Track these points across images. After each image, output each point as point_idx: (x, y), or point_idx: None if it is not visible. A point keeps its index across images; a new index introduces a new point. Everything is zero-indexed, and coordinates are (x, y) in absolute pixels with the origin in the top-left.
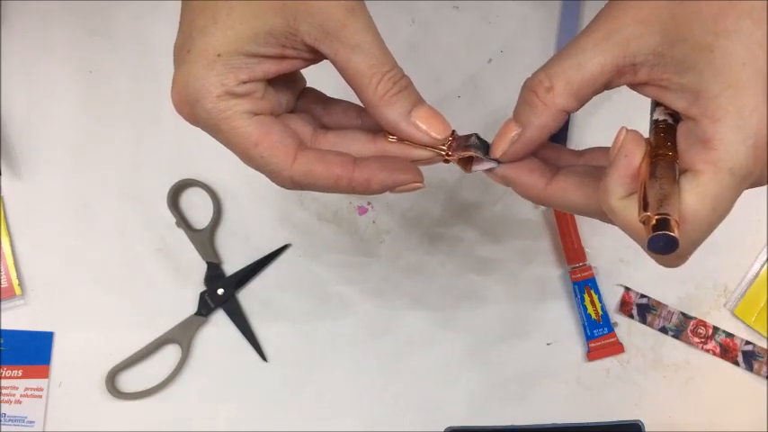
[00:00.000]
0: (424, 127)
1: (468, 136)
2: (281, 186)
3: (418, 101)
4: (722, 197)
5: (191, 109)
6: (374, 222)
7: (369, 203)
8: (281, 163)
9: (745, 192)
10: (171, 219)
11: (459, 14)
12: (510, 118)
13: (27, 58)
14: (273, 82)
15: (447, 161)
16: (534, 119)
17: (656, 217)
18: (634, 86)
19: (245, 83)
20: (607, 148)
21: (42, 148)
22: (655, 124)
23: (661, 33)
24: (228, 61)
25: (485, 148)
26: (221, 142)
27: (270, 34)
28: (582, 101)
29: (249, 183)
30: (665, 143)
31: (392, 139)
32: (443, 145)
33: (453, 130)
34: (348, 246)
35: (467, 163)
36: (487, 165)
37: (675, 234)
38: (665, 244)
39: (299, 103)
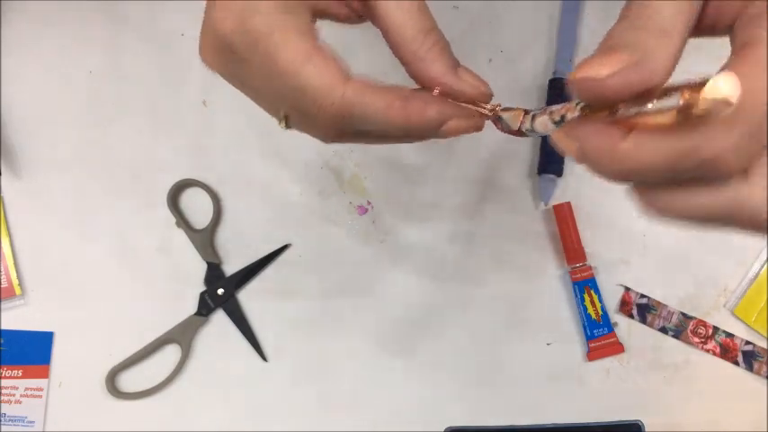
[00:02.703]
0: (471, 80)
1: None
2: (329, 114)
3: (457, 61)
4: None
5: (241, 22)
6: (374, 222)
7: (369, 203)
8: (334, 79)
9: None
10: (171, 219)
11: (460, 14)
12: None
13: (26, 57)
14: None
15: (496, 115)
16: (661, 46)
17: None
18: None
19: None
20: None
21: (42, 148)
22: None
23: None
24: None
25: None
26: (262, 63)
27: None
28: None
29: (249, 183)
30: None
31: (435, 91)
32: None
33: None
34: (348, 246)
35: (516, 127)
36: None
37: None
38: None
39: None
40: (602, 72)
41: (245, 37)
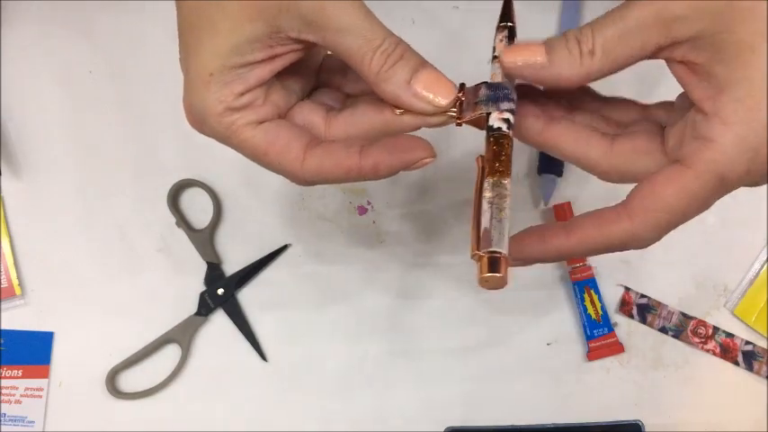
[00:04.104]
0: (428, 95)
1: (477, 87)
2: (299, 185)
3: (418, 66)
4: (702, 197)
5: (201, 127)
6: (374, 222)
7: (369, 203)
8: (291, 167)
9: (745, 191)
10: (171, 219)
11: (459, 14)
12: (543, 41)
13: (27, 57)
14: (282, 74)
15: (459, 125)
16: (566, 66)
17: (487, 255)
18: (667, 61)
19: (242, 94)
20: (631, 101)
21: (42, 148)
22: (489, 131)
23: (710, 19)
24: (221, 78)
25: (497, 93)
26: (237, 152)
27: (254, 40)
28: (614, 71)
29: (249, 183)
30: (499, 156)
31: (399, 111)
32: (454, 107)
33: (462, 85)
34: (348, 246)
35: (481, 121)
36: (505, 114)
37: (502, 274)
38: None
39: (320, 77)
40: (508, 59)
41: (211, 137)
